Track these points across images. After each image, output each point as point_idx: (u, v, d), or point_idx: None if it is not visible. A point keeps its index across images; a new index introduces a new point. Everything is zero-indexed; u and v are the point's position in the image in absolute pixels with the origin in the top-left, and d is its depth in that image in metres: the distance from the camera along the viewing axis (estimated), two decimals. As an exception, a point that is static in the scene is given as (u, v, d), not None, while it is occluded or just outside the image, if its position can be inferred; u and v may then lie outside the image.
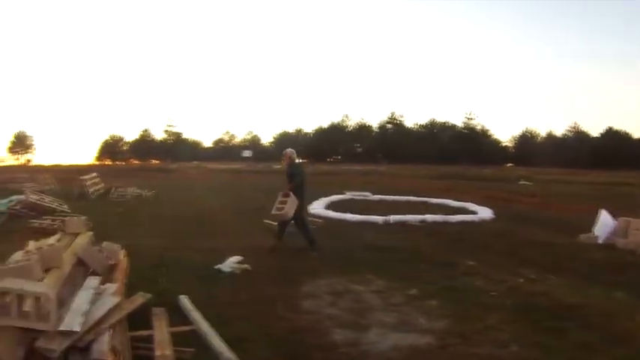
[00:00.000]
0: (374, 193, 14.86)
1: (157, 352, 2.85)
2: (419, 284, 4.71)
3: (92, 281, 3.25)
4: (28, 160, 78.01)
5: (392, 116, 76.38)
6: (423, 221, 9.23)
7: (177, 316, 3.51)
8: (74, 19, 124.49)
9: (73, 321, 2.49)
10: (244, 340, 3.24)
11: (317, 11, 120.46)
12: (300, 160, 6.32)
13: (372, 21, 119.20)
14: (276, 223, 7.03)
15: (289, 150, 6.92)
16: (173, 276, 4.79)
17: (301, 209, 6.55)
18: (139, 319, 3.20)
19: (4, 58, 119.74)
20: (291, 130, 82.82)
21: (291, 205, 6.23)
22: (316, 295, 4.43)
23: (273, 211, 6.50)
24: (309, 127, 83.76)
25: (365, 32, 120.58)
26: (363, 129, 77.39)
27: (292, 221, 6.54)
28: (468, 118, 71.79)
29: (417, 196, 13.97)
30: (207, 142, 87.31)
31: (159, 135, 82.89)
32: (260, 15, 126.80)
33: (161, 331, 3.07)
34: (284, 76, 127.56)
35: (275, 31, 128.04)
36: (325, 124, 79.78)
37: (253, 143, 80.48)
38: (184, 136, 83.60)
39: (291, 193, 6.33)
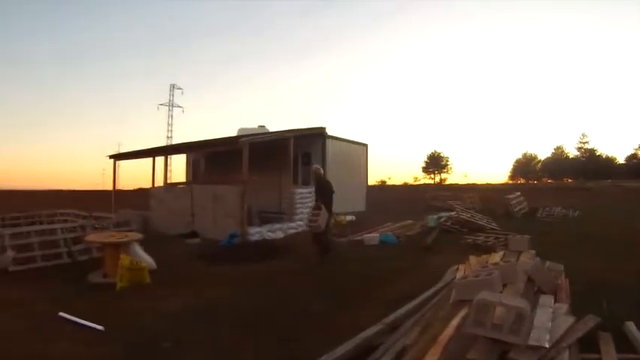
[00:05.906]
0: None
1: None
2: None
3: (548, 299, 3.48)
4: (443, 180, 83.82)
5: None
6: None
7: (620, 342, 3.35)
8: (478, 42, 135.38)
9: (541, 337, 2.60)
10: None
11: None
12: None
13: None
14: None
15: (315, 166, 7.51)
16: (611, 300, 4.58)
17: (328, 220, 6.94)
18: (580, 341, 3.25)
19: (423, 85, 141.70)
20: None
21: (323, 218, 6.64)
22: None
23: (308, 224, 7.02)
24: None
25: None
26: None
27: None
28: None
29: None
30: (621, 158, 76.11)
31: (572, 152, 78.56)
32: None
33: (609, 356, 3.04)
34: None
35: None
36: None
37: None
38: (598, 152, 75.89)
39: (322, 206, 6.74)
